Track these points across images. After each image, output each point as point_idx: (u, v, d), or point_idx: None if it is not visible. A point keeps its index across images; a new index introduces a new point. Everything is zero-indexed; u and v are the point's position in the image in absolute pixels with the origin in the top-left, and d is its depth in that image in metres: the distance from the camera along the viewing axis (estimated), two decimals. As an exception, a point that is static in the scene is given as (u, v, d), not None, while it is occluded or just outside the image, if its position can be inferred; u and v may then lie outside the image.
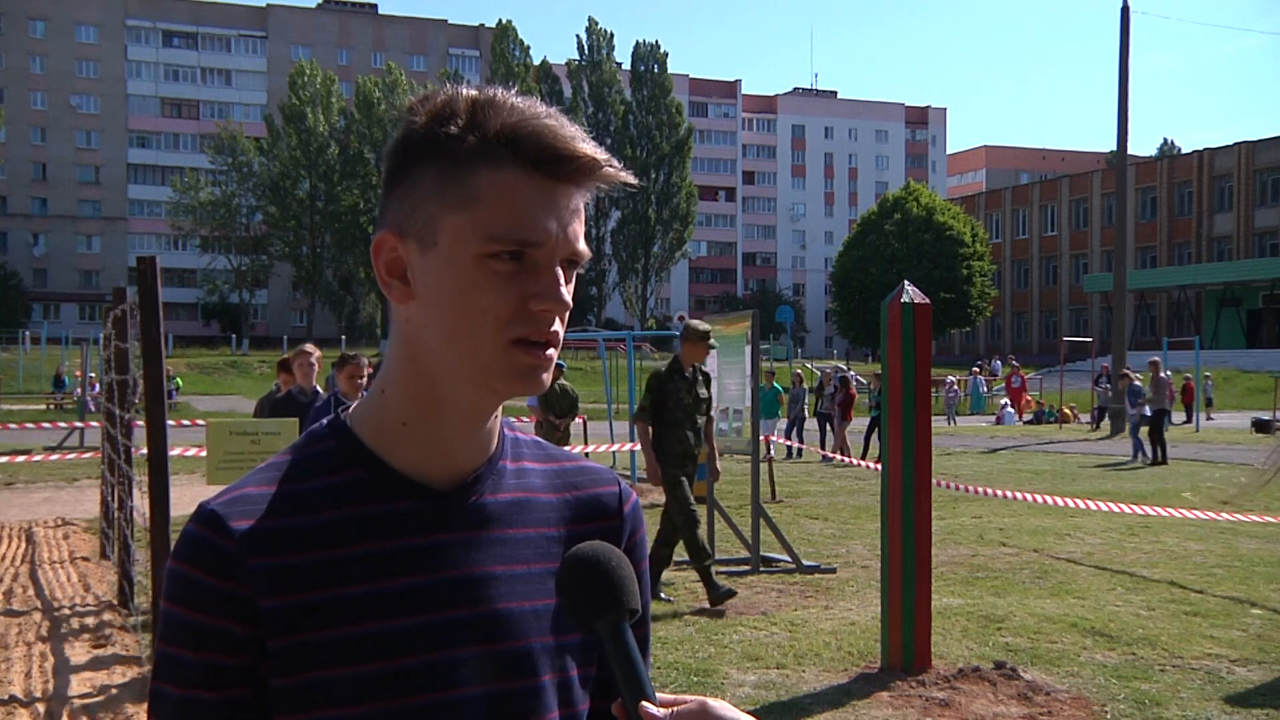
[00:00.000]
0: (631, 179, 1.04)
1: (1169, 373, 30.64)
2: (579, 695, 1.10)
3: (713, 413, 8.30)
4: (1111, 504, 10.18)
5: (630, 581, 1.00)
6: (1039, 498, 10.58)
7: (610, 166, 1.01)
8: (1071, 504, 10.06)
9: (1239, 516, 8.33)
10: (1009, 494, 10.27)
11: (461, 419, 1.05)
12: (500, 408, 1.08)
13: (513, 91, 1.02)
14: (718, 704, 0.96)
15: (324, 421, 1.10)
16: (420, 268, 1.01)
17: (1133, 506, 10.25)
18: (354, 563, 1.01)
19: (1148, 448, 19.67)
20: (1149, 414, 19.64)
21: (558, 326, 1.01)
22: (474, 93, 1.01)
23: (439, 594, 1.03)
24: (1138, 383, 20.65)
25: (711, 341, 8.21)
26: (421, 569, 1.03)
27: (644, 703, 0.95)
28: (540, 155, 0.98)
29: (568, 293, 1.01)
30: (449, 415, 1.04)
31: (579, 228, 1.01)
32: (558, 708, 1.07)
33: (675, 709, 0.95)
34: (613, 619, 0.98)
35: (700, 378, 8.02)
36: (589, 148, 0.99)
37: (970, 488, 11.49)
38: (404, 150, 1.02)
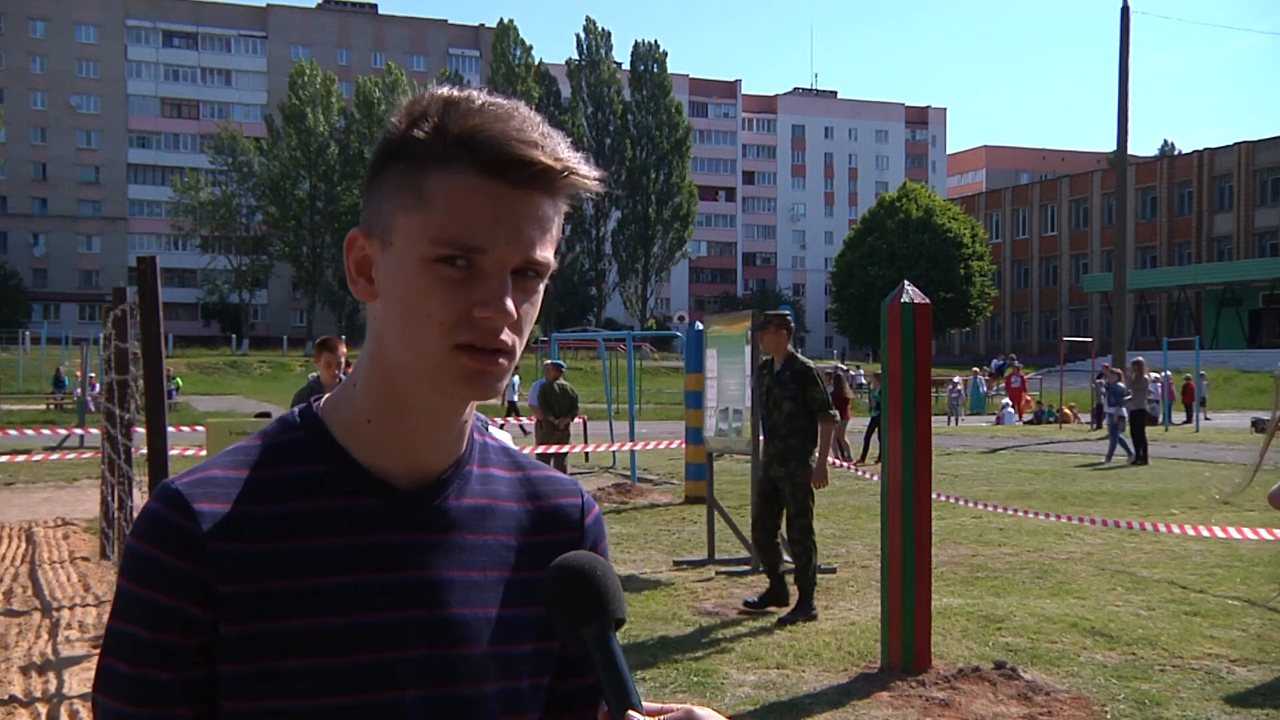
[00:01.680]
0: (597, 185, 1.01)
1: (1168, 373, 30.78)
2: (527, 705, 1.09)
3: (832, 412, 7.57)
4: (1110, 519, 10.17)
5: (617, 590, 1.00)
6: (1038, 514, 10.56)
7: (574, 174, 0.98)
8: (1072, 519, 10.06)
9: (1234, 533, 8.31)
10: (1009, 509, 10.24)
11: (423, 419, 1.04)
12: (470, 412, 1.07)
13: (483, 92, 1.00)
14: (704, 712, 0.95)
15: (295, 410, 1.10)
16: (381, 267, 1.01)
17: (1131, 522, 10.25)
18: (316, 555, 1.01)
19: (1130, 445, 19.72)
20: (1126, 413, 19.76)
21: (507, 335, 0.98)
22: (447, 94, 1.00)
23: (396, 594, 1.03)
24: (1120, 383, 20.75)
25: (783, 325, 7.48)
26: (382, 567, 1.03)
27: (630, 711, 0.95)
28: (495, 160, 0.96)
29: (512, 303, 0.97)
30: (410, 414, 1.04)
31: (538, 235, 0.98)
32: (501, 715, 1.06)
33: (661, 718, 0.95)
34: (598, 627, 0.98)
35: (787, 373, 7.47)
36: (546, 154, 0.96)
37: (968, 501, 11.44)
38: (380, 151, 1.02)
